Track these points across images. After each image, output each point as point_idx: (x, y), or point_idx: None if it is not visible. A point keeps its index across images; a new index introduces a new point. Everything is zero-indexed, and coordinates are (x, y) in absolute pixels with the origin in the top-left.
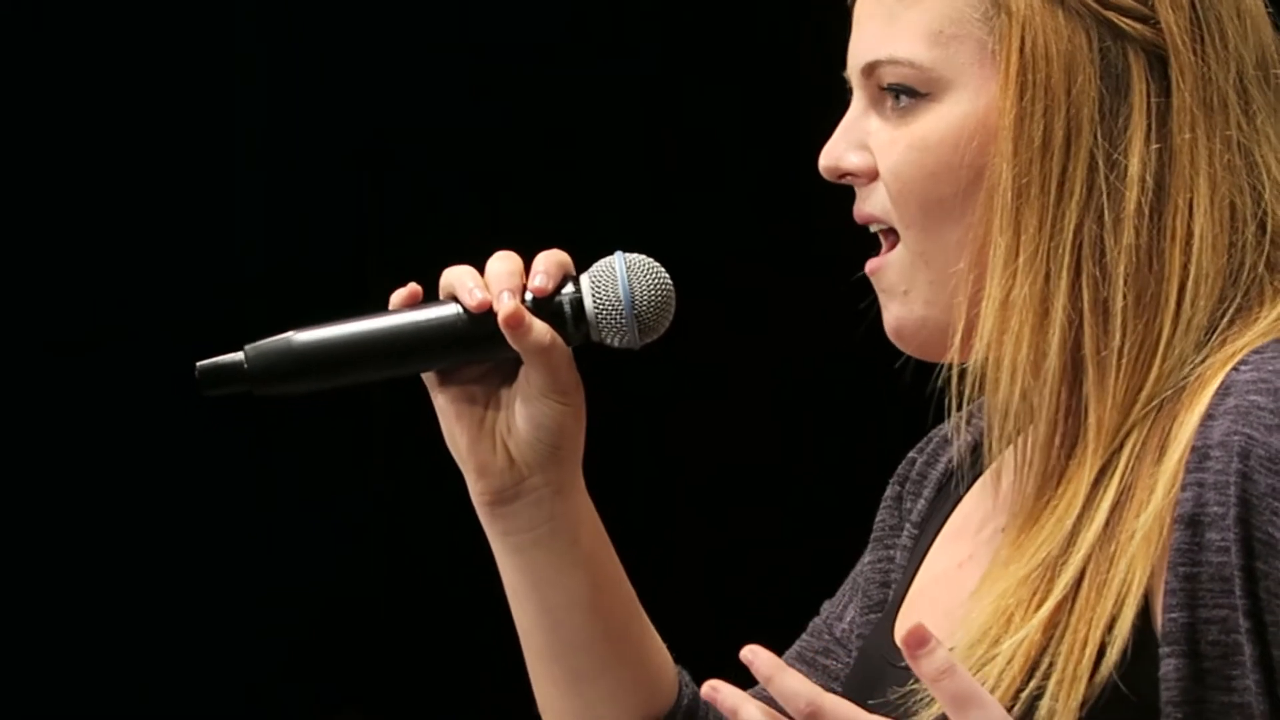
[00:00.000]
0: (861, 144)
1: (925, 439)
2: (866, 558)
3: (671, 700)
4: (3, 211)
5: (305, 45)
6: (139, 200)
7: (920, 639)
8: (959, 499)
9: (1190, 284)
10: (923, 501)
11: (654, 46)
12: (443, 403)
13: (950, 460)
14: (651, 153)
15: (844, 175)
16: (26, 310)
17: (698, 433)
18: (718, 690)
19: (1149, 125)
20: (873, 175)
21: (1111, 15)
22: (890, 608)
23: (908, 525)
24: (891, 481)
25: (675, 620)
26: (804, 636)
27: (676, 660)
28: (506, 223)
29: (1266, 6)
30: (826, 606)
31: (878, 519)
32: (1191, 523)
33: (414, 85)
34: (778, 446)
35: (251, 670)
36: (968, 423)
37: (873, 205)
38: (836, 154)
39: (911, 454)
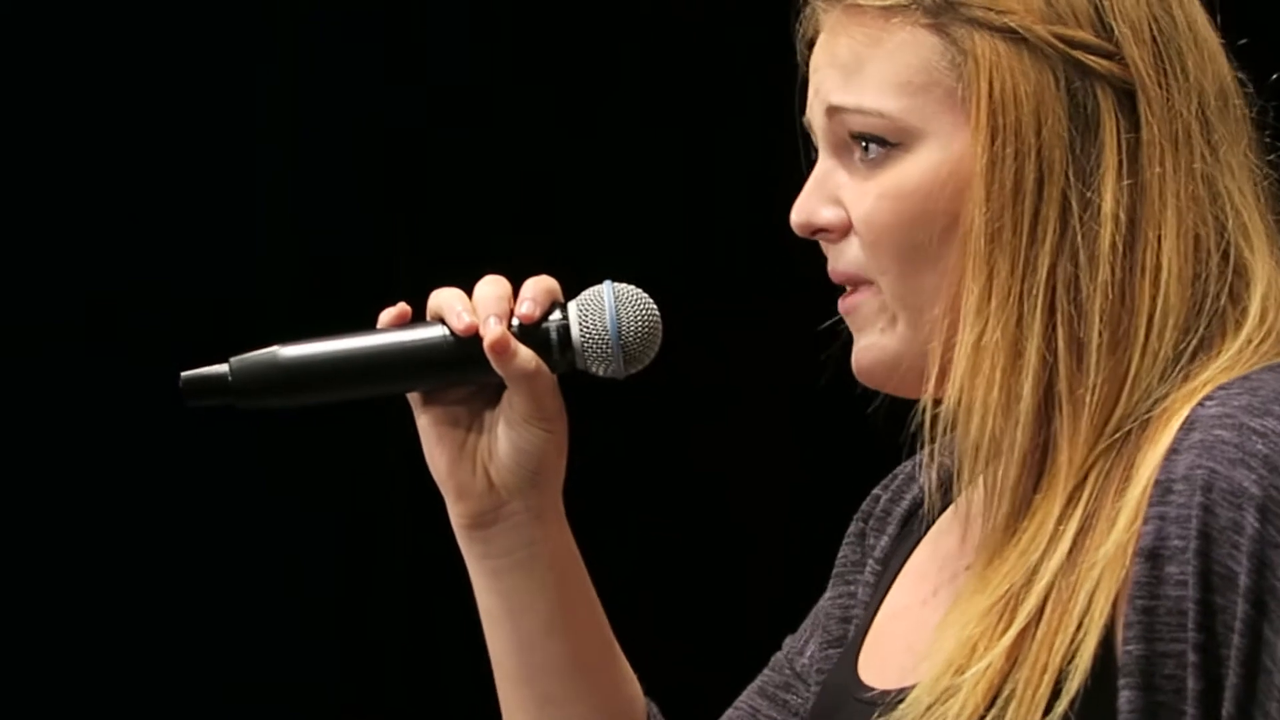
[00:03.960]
0: (834, 198)
1: (890, 476)
2: (828, 594)
3: None
4: (18, 209)
5: (326, 42)
6: (160, 196)
7: None
8: (922, 536)
9: (1158, 317)
10: (885, 539)
11: (672, 48)
12: (425, 424)
13: (914, 498)
14: (677, 157)
15: (817, 231)
16: (32, 307)
17: (716, 452)
18: None
19: (1120, 162)
20: (846, 230)
21: (1078, 54)
22: (853, 642)
23: (870, 562)
24: (855, 518)
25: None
26: (766, 671)
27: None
28: (527, 228)
29: (1222, 39)
30: (788, 641)
31: (840, 555)
32: (1151, 556)
33: (430, 84)
34: (797, 467)
35: (247, 673)
36: (933, 459)
37: (847, 263)
38: (809, 209)
39: (876, 490)
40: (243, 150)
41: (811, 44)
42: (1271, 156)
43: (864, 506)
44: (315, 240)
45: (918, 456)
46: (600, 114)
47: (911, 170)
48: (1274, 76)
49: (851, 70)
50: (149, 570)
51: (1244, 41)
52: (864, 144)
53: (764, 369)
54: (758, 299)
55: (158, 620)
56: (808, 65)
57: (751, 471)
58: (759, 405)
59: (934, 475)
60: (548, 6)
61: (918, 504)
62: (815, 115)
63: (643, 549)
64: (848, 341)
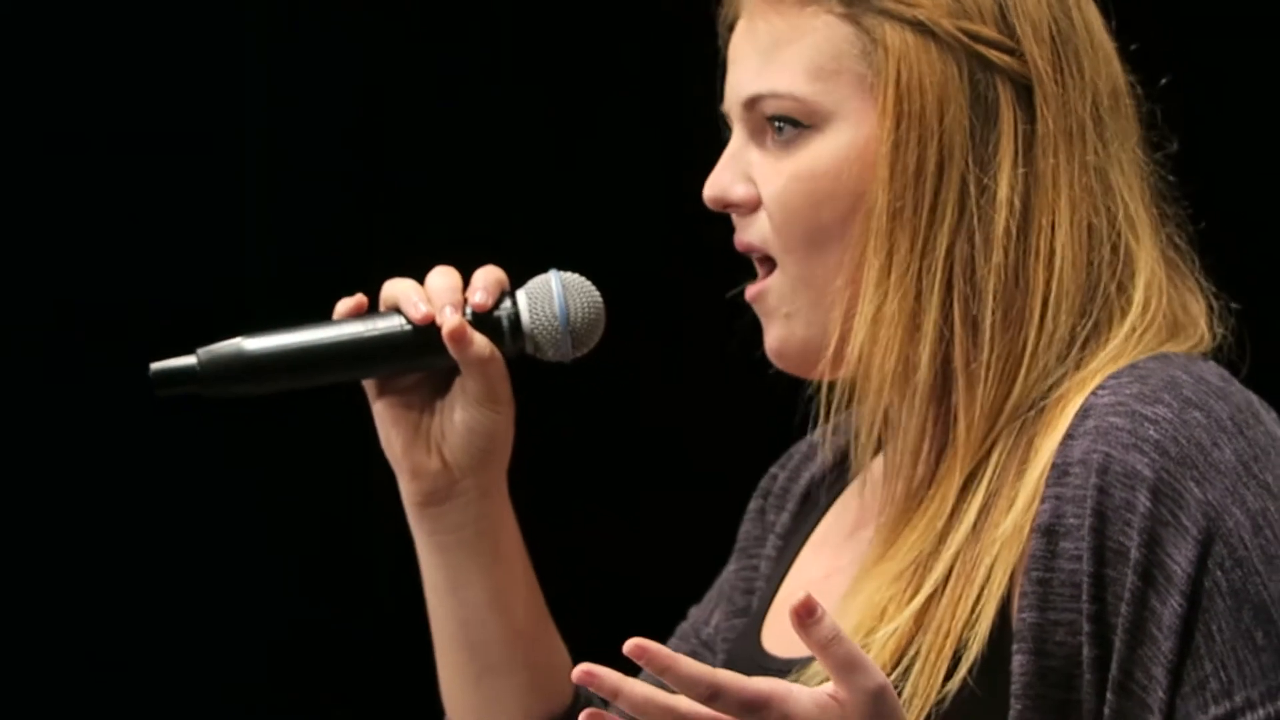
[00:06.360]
0: (745, 176)
1: (786, 455)
2: (731, 566)
3: (569, 701)
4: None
5: (307, 41)
6: (145, 199)
7: (809, 608)
8: (824, 511)
9: (1053, 300)
10: (786, 515)
11: (657, 47)
12: (381, 408)
13: (812, 475)
14: (660, 157)
15: (728, 206)
16: (24, 310)
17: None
18: (593, 674)
19: (1016, 151)
20: (755, 206)
21: (981, 48)
22: (757, 614)
23: (772, 536)
24: (755, 495)
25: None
26: (673, 640)
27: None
28: (502, 228)
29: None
30: (694, 611)
31: (741, 530)
32: (1048, 532)
33: (412, 82)
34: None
35: (240, 674)
36: (832, 435)
37: (753, 235)
38: (722, 185)
39: (773, 469)
40: (229, 147)
41: (732, 28)
42: (1158, 155)
43: (762, 484)
44: (296, 240)
45: (811, 436)
46: (594, 114)
47: (822, 151)
48: (1163, 81)
49: (768, 56)
50: (142, 572)
51: (1135, 47)
52: (778, 125)
53: (763, 367)
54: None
55: (151, 621)
56: (728, 48)
57: (750, 470)
58: (758, 404)
59: (830, 454)
60: (541, 5)
61: (816, 481)
62: (733, 106)
63: (642, 546)
64: (753, 321)
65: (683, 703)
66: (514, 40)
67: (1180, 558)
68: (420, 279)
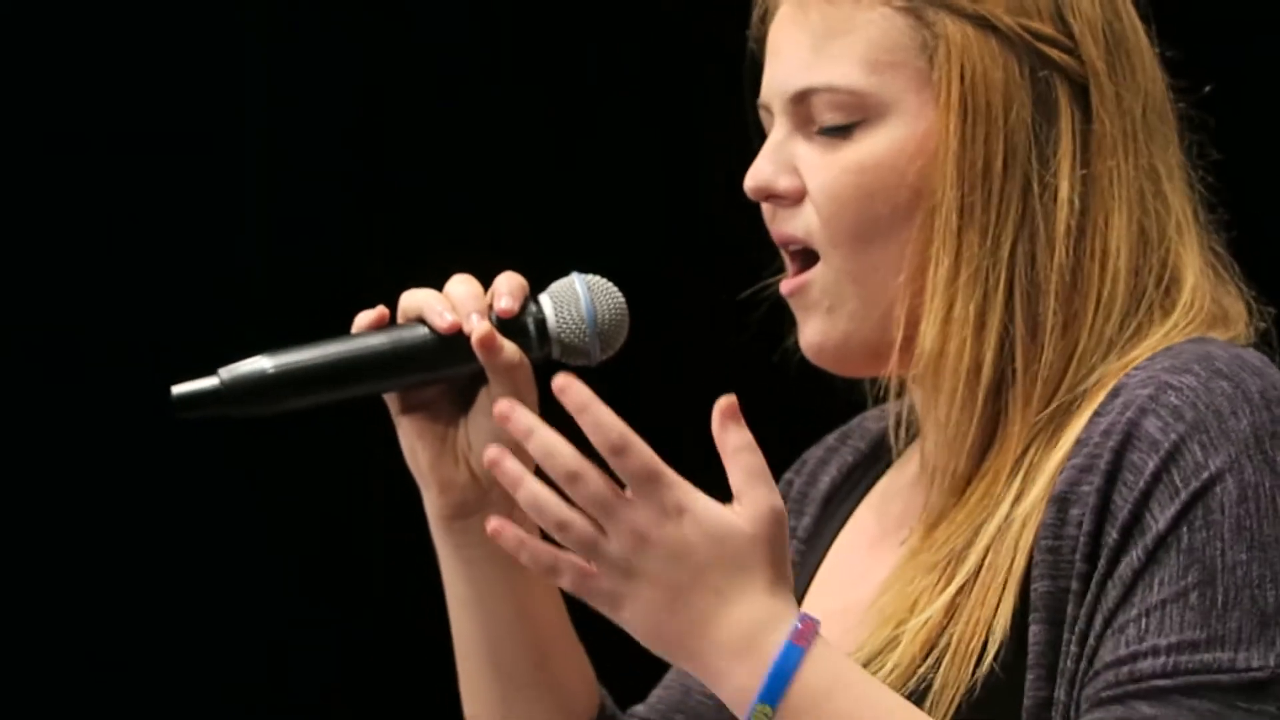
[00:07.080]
0: (790, 166)
1: (800, 461)
2: None
3: (594, 714)
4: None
5: (307, 42)
6: (145, 199)
7: (733, 410)
8: (849, 513)
9: (1105, 300)
10: (808, 519)
11: (657, 47)
12: (405, 422)
13: (833, 480)
14: (661, 157)
15: (771, 196)
16: (24, 310)
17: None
18: (513, 411)
19: (1075, 150)
20: (800, 197)
21: (1041, 45)
22: None
23: (794, 541)
24: None
25: None
26: None
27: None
28: (502, 228)
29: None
30: None
31: None
32: (1060, 500)
33: (412, 82)
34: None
35: (240, 674)
36: (844, 443)
37: (795, 227)
38: (766, 176)
39: (788, 475)
40: (229, 147)
41: (764, 17)
42: (1201, 161)
43: (778, 489)
44: (296, 240)
45: (827, 440)
46: (594, 114)
47: (875, 146)
48: (1206, 89)
49: (820, 48)
50: (142, 572)
51: (1171, 54)
52: (828, 118)
53: (764, 367)
54: (757, 297)
55: (151, 621)
56: (758, 42)
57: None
58: (758, 405)
59: (847, 458)
60: (541, 5)
61: (837, 484)
62: (775, 98)
63: None
64: (774, 311)
65: (588, 466)
66: (514, 40)
67: (1161, 516)
68: (422, 282)
